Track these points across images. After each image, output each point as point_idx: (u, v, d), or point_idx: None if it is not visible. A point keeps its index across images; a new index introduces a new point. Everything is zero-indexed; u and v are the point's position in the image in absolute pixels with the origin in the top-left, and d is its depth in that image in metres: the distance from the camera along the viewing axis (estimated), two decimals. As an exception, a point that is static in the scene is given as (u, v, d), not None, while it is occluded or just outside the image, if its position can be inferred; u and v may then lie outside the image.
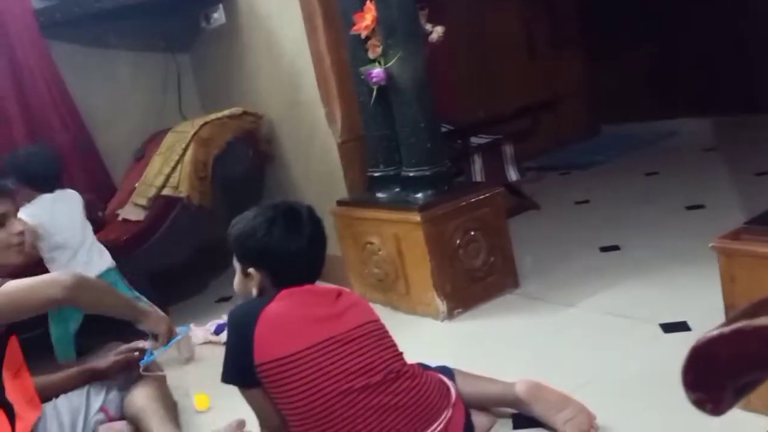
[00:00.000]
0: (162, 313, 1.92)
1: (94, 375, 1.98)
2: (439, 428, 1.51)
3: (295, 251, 1.54)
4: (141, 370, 1.91)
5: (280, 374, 1.44)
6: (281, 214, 1.57)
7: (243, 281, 1.62)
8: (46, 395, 1.88)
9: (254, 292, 1.59)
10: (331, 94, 2.97)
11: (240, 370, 1.48)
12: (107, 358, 2.01)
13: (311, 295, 1.55)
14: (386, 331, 1.61)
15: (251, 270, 1.58)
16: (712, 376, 0.50)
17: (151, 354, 1.89)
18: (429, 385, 1.56)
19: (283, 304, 1.51)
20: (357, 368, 1.47)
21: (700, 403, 0.53)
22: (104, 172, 3.55)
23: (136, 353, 1.96)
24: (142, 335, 1.98)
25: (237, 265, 1.62)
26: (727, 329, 0.49)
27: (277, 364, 1.44)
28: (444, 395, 1.57)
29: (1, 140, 3.18)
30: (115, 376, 1.97)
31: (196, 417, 2.15)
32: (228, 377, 1.52)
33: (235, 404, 1.66)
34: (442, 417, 1.52)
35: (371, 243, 2.71)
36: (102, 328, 3.25)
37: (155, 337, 1.86)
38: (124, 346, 2.03)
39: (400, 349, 1.61)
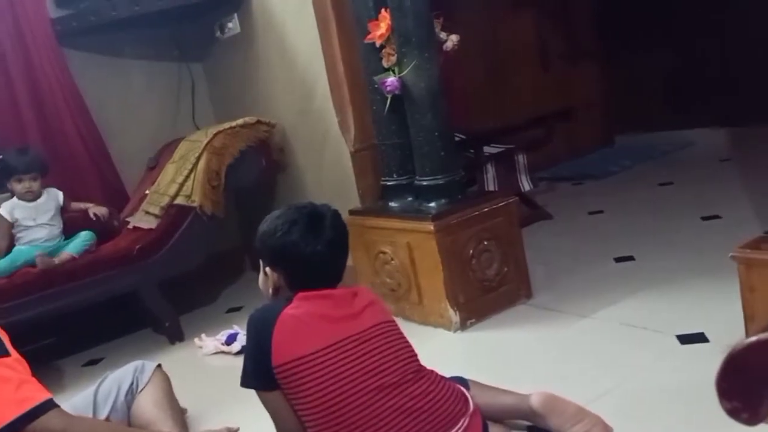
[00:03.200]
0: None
1: None
2: (455, 437, 1.49)
3: (309, 254, 1.53)
4: None
5: (298, 374, 1.45)
6: (305, 216, 1.56)
7: (263, 279, 1.63)
8: None
9: (270, 291, 1.60)
10: (344, 102, 2.97)
11: (259, 373, 1.49)
12: None
13: (328, 299, 1.55)
14: (401, 333, 1.61)
15: (267, 269, 1.59)
16: (749, 384, 0.48)
17: None
18: (446, 392, 1.54)
19: (300, 307, 1.51)
20: (372, 368, 1.47)
21: (735, 413, 0.50)
22: (117, 180, 3.57)
23: None
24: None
25: (261, 262, 1.64)
26: (764, 336, 0.47)
27: (294, 364, 1.45)
28: (462, 404, 1.56)
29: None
30: None
31: (204, 425, 2.14)
32: (247, 381, 1.52)
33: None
34: (459, 425, 1.51)
35: (384, 252, 2.69)
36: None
37: None
38: None
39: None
